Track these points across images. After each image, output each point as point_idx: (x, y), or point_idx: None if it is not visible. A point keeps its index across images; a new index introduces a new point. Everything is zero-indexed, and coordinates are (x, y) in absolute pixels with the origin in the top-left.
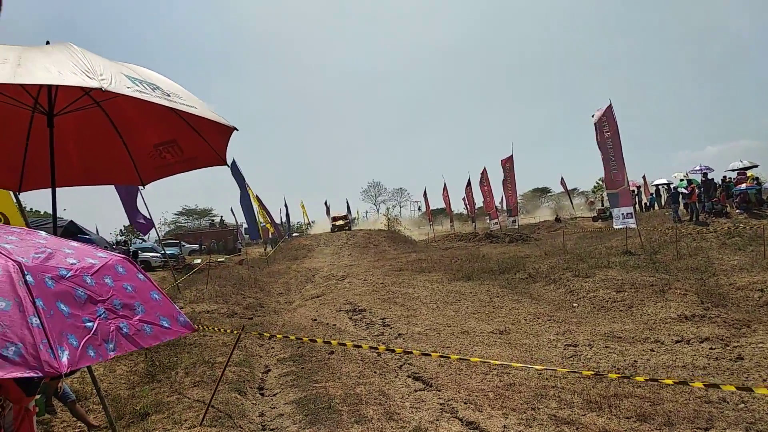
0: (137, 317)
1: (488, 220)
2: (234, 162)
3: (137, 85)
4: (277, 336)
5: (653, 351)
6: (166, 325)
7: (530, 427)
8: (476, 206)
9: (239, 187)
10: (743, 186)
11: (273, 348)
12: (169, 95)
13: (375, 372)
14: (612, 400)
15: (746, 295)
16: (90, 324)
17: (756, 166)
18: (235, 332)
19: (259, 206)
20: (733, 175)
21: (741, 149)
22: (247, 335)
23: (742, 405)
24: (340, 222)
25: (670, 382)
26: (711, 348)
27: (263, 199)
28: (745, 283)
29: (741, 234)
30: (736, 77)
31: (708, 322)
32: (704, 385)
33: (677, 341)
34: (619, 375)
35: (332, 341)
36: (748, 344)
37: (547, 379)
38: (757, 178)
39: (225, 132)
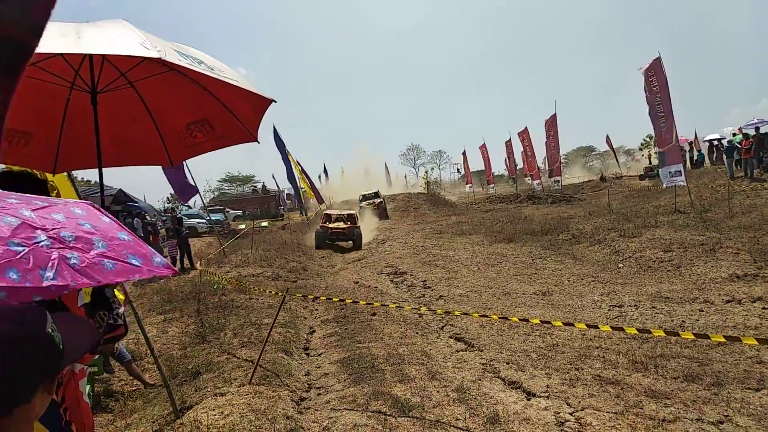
0: (95, 252)
1: (530, 181)
2: (275, 129)
3: (185, 59)
4: (321, 298)
5: (702, 311)
6: (136, 263)
7: (574, 387)
8: (518, 167)
9: (281, 154)
10: None
11: (317, 310)
12: (213, 69)
13: (417, 333)
14: (658, 361)
15: None
16: (20, 248)
17: None
18: (279, 294)
19: (300, 172)
20: None
21: None
22: (292, 297)
23: None
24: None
25: (719, 338)
26: (764, 308)
27: (304, 165)
28: None
29: None
30: None
31: (761, 281)
32: (757, 340)
33: (728, 301)
34: (665, 333)
35: (374, 303)
36: None
37: (591, 339)
38: None
39: (261, 106)
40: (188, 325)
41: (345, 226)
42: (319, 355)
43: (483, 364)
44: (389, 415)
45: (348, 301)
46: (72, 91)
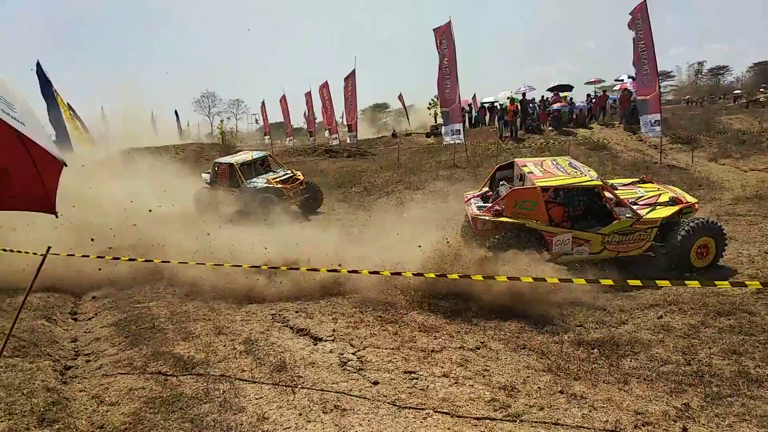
0: None
1: (328, 135)
2: (39, 66)
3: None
4: (91, 257)
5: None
6: None
7: (357, 329)
8: (317, 120)
9: (43, 97)
10: (557, 105)
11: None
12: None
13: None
14: (432, 300)
15: None
16: None
17: (571, 88)
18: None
19: (69, 115)
20: (550, 95)
21: (559, 71)
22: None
23: None
24: None
25: (479, 277)
26: None
27: (77, 108)
28: None
29: (551, 149)
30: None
31: None
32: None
33: None
34: (435, 275)
35: (155, 259)
36: None
37: (374, 284)
38: (571, 99)
39: (55, 168)
40: None
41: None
42: (90, 319)
43: (272, 315)
44: (170, 375)
45: (124, 258)
46: None
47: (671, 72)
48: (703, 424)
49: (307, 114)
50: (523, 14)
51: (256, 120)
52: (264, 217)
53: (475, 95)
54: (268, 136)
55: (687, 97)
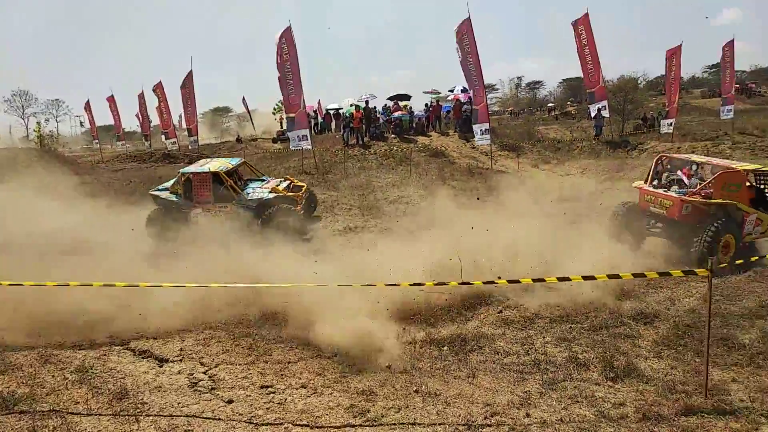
0: None
1: (164, 140)
2: None
3: None
4: None
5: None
6: None
7: (208, 346)
8: (152, 124)
9: None
10: (398, 114)
11: None
12: None
13: None
14: (287, 308)
15: (395, 208)
16: None
17: (410, 98)
18: None
19: None
20: (391, 103)
21: (399, 78)
22: None
23: None
24: None
25: (298, 286)
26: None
27: None
28: (395, 197)
29: (394, 156)
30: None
31: (366, 231)
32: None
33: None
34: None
35: None
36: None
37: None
38: (410, 108)
39: None
40: None
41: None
42: None
43: (110, 337)
44: None
45: None
46: None
47: (495, 85)
48: (543, 409)
49: (140, 116)
50: (361, 21)
51: (81, 122)
52: (285, 232)
53: (320, 101)
54: (97, 140)
55: (510, 108)
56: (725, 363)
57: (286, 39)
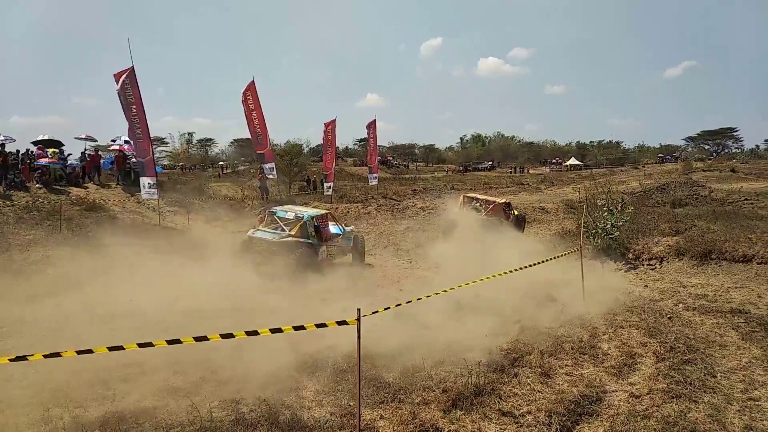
0: None
1: None
2: None
3: None
4: None
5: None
6: None
7: None
8: None
9: None
10: (45, 161)
11: None
12: None
13: None
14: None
15: (41, 269)
16: None
17: (61, 144)
18: None
19: None
20: (35, 149)
21: (49, 124)
22: None
23: None
24: None
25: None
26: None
27: None
28: (40, 257)
29: (40, 208)
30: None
31: None
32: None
33: None
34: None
35: None
36: None
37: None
38: (63, 155)
39: None
40: None
41: None
42: None
43: None
44: None
45: None
46: None
47: (165, 138)
48: None
49: None
50: None
51: None
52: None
53: None
54: None
55: (181, 163)
56: (374, 402)
57: (131, 81)
